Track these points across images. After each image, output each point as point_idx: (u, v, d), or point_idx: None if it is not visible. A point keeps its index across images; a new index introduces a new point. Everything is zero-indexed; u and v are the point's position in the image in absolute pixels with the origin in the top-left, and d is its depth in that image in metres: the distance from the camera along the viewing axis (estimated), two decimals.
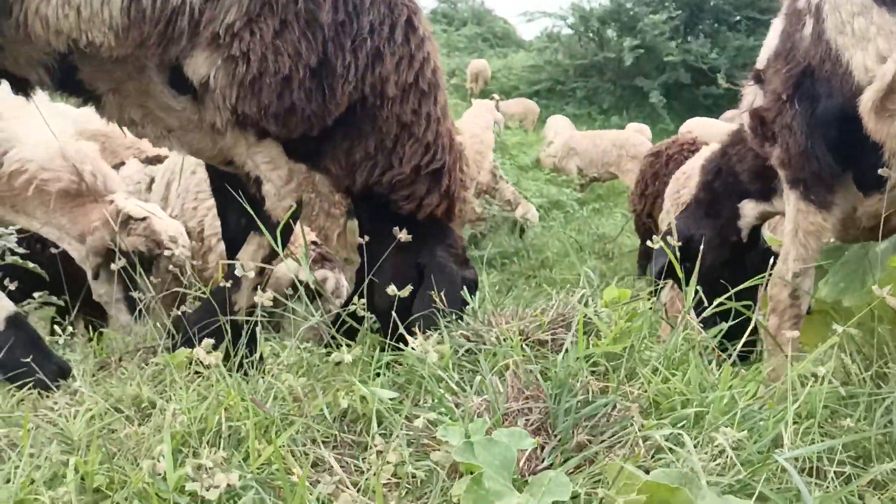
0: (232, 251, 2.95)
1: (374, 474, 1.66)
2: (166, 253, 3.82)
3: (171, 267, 3.80)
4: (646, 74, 26.31)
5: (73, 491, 1.50)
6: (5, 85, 2.74)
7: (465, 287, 2.71)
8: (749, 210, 3.05)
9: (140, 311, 3.65)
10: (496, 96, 19.88)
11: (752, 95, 2.69)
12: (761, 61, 2.65)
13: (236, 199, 2.79)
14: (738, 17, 27.24)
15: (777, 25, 2.58)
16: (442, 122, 2.77)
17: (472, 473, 1.52)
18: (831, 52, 2.23)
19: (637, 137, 14.79)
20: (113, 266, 3.31)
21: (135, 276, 3.67)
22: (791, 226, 2.53)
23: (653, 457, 1.67)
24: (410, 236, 2.61)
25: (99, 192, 3.91)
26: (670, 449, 1.61)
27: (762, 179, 2.91)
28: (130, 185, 5.14)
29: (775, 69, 2.46)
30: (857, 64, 2.13)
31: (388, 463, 1.65)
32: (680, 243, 2.54)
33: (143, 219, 3.84)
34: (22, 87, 2.76)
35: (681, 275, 2.22)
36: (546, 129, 19.90)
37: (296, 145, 2.74)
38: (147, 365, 2.49)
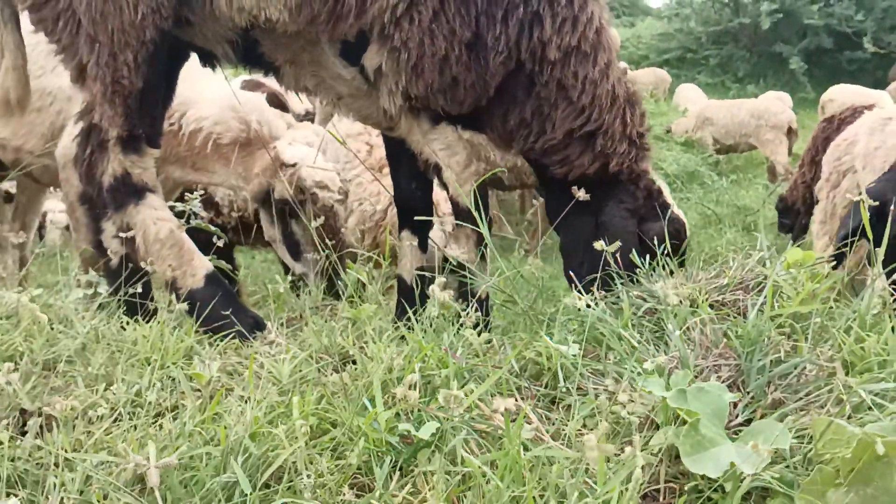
0: (403, 214, 3.05)
1: (569, 422, 1.72)
2: (312, 199, 3.97)
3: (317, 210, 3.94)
4: (785, 40, 25.17)
5: (301, 427, 1.62)
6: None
7: (655, 238, 2.70)
8: None
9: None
10: (623, 64, 19.47)
11: None
12: None
13: (409, 164, 2.90)
14: None
15: None
16: (601, 83, 2.74)
17: (671, 424, 1.56)
18: None
19: (777, 105, 14.18)
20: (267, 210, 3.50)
21: (287, 220, 3.88)
22: None
23: (854, 414, 1.66)
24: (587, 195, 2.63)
25: (265, 139, 4.10)
26: (879, 404, 1.60)
27: None
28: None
29: None
30: None
31: (607, 409, 1.70)
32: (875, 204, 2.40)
33: (293, 165, 3.98)
34: (209, 59, 2.97)
35: (870, 236, 2.16)
36: (676, 98, 19.38)
37: (461, 118, 2.82)
38: (333, 319, 2.64)
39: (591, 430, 1.74)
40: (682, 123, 15.13)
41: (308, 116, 7.53)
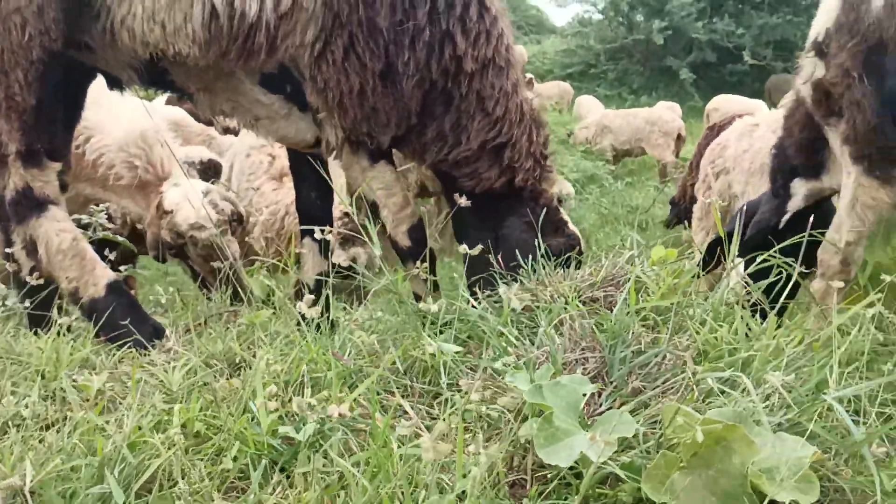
0: (304, 222, 2.99)
1: (447, 418, 1.69)
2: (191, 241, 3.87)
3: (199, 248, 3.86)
4: (674, 54, 25.88)
5: (179, 434, 1.55)
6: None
7: (558, 255, 2.67)
8: (798, 188, 2.84)
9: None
10: (530, 75, 19.68)
11: (812, 67, 2.52)
12: (818, 33, 2.49)
13: (310, 176, 2.84)
14: None
15: None
16: (513, 96, 2.71)
17: (537, 416, 1.55)
18: None
19: (668, 114, 14.58)
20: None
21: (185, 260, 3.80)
22: (849, 199, 2.41)
23: (704, 401, 1.68)
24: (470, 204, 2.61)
25: (159, 176, 4.01)
26: (722, 392, 1.61)
27: (810, 154, 2.74)
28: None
29: (839, 43, 2.31)
30: None
31: (464, 407, 1.67)
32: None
33: (170, 212, 3.89)
34: (116, 83, 2.85)
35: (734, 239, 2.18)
36: (577, 108, 19.70)
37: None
38: (233, 325, 2.55)
39: (468, 423, 1.72)
40: (582, 132, 15.39)
41: (232, 130, 7.36)
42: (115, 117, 3.84)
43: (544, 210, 2.86)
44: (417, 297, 2.76)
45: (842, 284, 2.32)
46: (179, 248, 3.88)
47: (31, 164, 2.65)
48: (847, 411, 1.67)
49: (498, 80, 2.64)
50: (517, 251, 2.67)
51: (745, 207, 3.02)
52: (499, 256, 2.59)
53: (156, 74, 2.74)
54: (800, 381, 1.66)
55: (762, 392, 1.59)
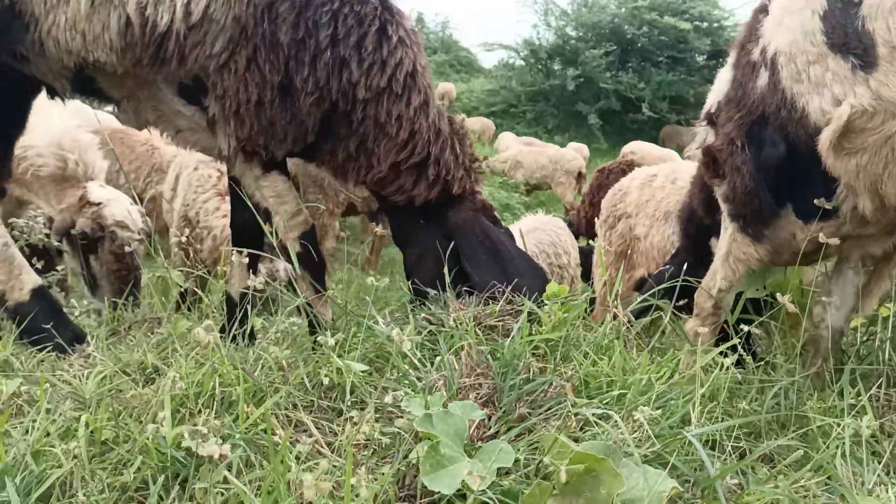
0: (237, 240, 2.87)
1: (347, 437, 1.63)
2: (110, 236, 3.71)
3: (114, 248, 3.69)
4: (584, 101, 26.44)
5: (83, 444, 1.45)
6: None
7: (502, 240, 2.67)
8: (714, 247, 2.79)
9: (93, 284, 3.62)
10: (463, 115, 19.76)
11: (705, 134, 2.55)
12: (711, 105, 2.53)
13: (243, 195, 2.73)
14: (660, 57, 27.48)
15: (726, 75, 2.47)
16: (418, 119, 2.62)
17: (430, 439, 1.51)
18: (787, 99, 2.13)
19: (571, 154, 14.86)
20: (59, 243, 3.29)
21: (88, 255, 3.63)
22: (724, 250, 2.45)
23: (582, 429, 1.67)
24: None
25: (79, 178, 3.84)
26: (597, 422, 1.61)
27: (712, 212, 2.72)
28: None
29: (728, 115, 2.35)
30: (814, 108, 2.04)
31: (359, 429, 1.62)
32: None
33: (98, 204, 3.73)
34: (51, 92, 2.70)
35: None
36: (498, 143, 19.91)
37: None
38: (153, 334, 2.43)
39: (368, 440, 1.67)
40: (498, 165, 15.56)
41: None
42: (46, 119, 3.65)
43: (482, 206, 2.84)
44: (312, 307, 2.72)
45: (706, 330, 2.36)
46: (93, 241, 3.70)
47: None
48: (707, 444, 1.69)
49: (395, 107, 2.55)
50: (458, 232, 2.67)
51: (655, 276, 3.02)
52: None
53: (84, 83, 2.62)
54: (667, 415, 1.67)
55: (631, 425, 1.59)
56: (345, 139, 2.60)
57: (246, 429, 1.62)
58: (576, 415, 1.67)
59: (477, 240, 2.69)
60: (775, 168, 2.22)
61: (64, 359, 2.21)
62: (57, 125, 3.71)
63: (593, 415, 1.61)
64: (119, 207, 3.65)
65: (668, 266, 3.01)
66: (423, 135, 2.64)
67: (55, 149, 3.77)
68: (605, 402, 1.77)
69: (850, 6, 1.94)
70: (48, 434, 1.57)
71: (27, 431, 1.56)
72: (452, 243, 2.67)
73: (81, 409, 1.75)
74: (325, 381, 1.95)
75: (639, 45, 27.75)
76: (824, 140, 1.99)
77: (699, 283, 2.56)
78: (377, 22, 2.49)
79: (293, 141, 2.55)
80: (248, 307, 2.74)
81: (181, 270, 3.21)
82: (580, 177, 14.18)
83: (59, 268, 3.93)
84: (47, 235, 3.57)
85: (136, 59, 2.35)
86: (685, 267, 2.66)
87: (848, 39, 1.93)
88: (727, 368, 1.88)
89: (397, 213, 2.83)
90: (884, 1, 1.86)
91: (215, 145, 2.66)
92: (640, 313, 2.41)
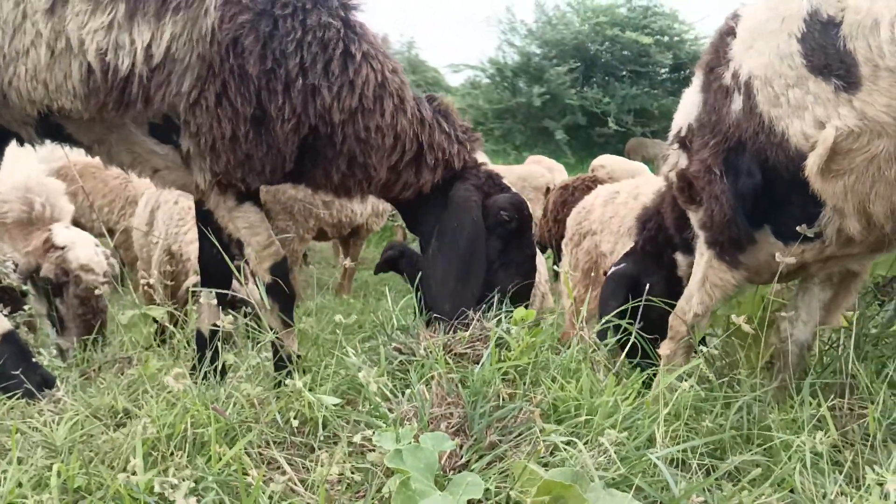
0: (204, 276, 2.87)
1: (320, 475, 1.64)
2: (74, 280, 3.68)
3: (78, 293, 3.67)
4: (551, 117, 26.72)
5: (55, 496, 1.44)
6: None
7: (501, 211, 2.78)
8: (682, 261, 2.84)
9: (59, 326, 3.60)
10: None
11: (677, 157, 2.53)
12: (680, 126, 2.50)
13: (212, 232, 2.73)
14: (624, 71, 27.90)
15: (694, 96, 2.43)
16: (398, 119, 2.65)
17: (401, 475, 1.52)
18: (765, 124, 2.09)
19: (538, 170, 14.93)
20: (26, 287, 3.29)
21: (51, 299, 3.62)
22: (700, 275, 2.44)
23: (551, 453, 1.70)
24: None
25: (45, 220, 3.84)
26: (565, 447, 1.64)
27: (685, 232, 2.72)
28: None
29: (703, 140, 2.31)
30: (795, 131, 2.01)
31: (331, 467, 1.63)
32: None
33: (62, 248, 3.71)
34: (19, 139, 2.71)
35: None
36: None
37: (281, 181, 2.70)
38: (123, 375, 2.42)
39: (341, 475, 1.68)
40: None
41: None
42: (11, 164, 3.64)
43: (487, 174, 2.92)
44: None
45: (668, 352, 2.40)
46: (58, 285, 3.67)
47: None
48: (673, 463, 1.73)
49: (371, 121, 2.59)
50: (461, 207, 2.72)
51: (615, 274, 3.05)
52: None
53: (51, 129, 2.62)
54: (633, 437, 1.70)
55: (599, 448, 1.62)
56: (334, 160, 2.63)
57: (219, 470, 1.62)
58: (544, 440, 1.70)
59: (452, 225, 2.74)
60: (752, 195, 2.20)
61: (33, 404, 2.19)
62: (23, 169, 3.71)
63: (561, 441, 1.64)
64: (84, 251, 3.62)
65: (621, 263, 3.06)
66: (408, 131, 2.68)
67: (20, 193, 3.77)
68: (572, 426, 1.80)
69: (829, 27, 1.91)
70: (20, 485, 1.56)
71: None
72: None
73: (53, 456, 1.74)
74: (297, 418, 1.97)
75: (602, 60, 28.15)
76: (811, 165, 1.97)
77: (670, 305, 2.58)
78: (341, 45, 2.51)
79: (271, 171, 2.56)
80: (219, 344, 2.74)
81: (156, 306, 3.20)
82: (548, 191, 14.30)
83: (25, 307, 3.89)
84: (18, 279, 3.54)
85: (100, 104, 2.36)
86: (639, 264, 2.75)
87: (829, 61, 1.91)
88: (691, 386, 1.93)
89: (411, 206, 2.90)
90: (864, 19, 1.84)
91: (192, 181, 2.66)
92: (604, 333, 2.44)
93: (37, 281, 3.59)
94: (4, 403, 2.21)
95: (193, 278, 4.00)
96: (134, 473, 1.55)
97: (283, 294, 2.62)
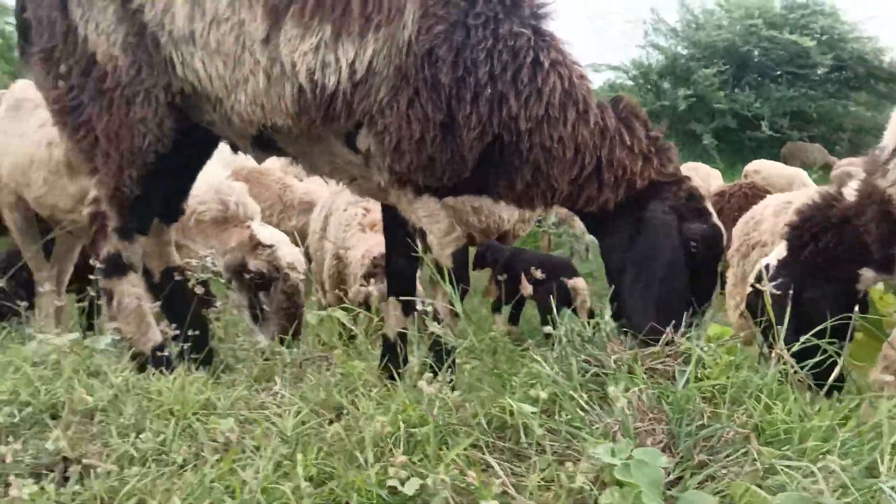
0: (393, 286, 3.02)
1: (532, 482, 1.71)
2: (283, 277, 3.95)
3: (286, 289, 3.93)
4: (698, 120, 25.74)
5: (303, 484, 1.60)
6: None
7: (691, 242, 2.62)
8: (868, 277, 2.75)
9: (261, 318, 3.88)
10: None
11: None
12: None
13: (401, 242, 2.89)
14: (779, 72, 26.41)
15: None
16: (580, 130, 2.61)
17: (619, 485, 1.57)
18: None
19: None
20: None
21: (257, 292, 3.91)
22: None
23: (763, 477, 1.68)
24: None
25: (239, 218, 4.16)
26: (784, 470, 1.62)
27: (890, 249, 2.63)
28: None
29: None
30: None
31: (544, 472, 1.70)
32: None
33: (270, 246, 3.99)
34: (234, 148, 3.02)
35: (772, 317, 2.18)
36: None
37: (459, 189, 2.80)
38: (328, 371, 2.62)
39: (551, 482, 1.74)
40: None
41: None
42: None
43: (687, 195, 2.73)
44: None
45: (891, 378, 2.29)
46: (268, 281, 3.96)
47: (124, 238, 2.97)
48: None
49: (556, 131, 2.58)
50: (659, 233, 2.61)
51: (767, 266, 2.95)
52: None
53: (264, 143, 2.91)
54: (854, 464, 1.66)
55: (819, 475, 1.59)
56: (520, 169, 2.67)
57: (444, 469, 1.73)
58: (758, 462, 1.69)
59: (649, 251, 2.63)
60: None
61: (252, 398, 2.42)
62: (211, 174, 4.07)
63: (782, 465, 1.62)
64: (289, 249, 3.94)
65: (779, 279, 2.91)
66: (588, 143, 2.63)
67: (216, 193, 4.13)
68: (784, 448, 1.77)
69: None
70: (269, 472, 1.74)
71: (250, 469, 1.74)
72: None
73: (286, 446, 1.92)
74: (495, 423, 2.06)
75: (755, 61, 26.79)
76: None
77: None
78: (531, 53, 2.56)
79: (450, 176, 2.67)
80: (405, 348, 2.90)
81: (341, 307, 3.45)
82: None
83: (217, 303, 4.25)
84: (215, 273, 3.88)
85: (311, 121, 2.60)
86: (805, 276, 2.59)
87: None
88: None
89: (595, 218, 2.81)
90: None
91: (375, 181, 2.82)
92: (802, 354, 2.36)
93: (242, 275, 3.90)
94: (230, 396, 2.45)
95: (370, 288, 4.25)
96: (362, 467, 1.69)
97: (463, 281, 2.72)
